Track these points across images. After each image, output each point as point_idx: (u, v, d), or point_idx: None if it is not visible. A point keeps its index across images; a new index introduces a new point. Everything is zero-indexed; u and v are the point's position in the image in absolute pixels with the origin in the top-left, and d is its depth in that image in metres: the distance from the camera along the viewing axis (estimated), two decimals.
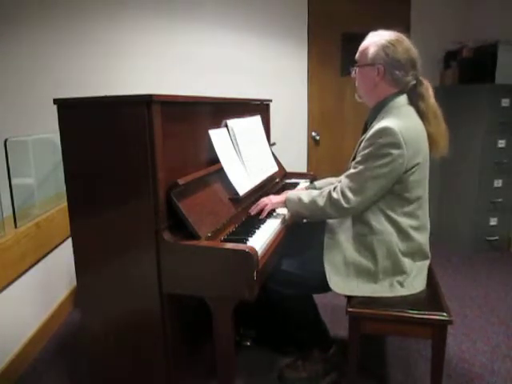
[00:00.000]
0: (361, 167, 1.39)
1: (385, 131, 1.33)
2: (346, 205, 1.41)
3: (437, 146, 1.47)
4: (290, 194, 1.61)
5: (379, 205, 1.43)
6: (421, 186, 1.45)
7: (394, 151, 1.33)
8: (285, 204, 1.60)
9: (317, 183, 1.96)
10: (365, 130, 1.56)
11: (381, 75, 1.44)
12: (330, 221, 1.59)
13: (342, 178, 1.46)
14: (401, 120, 1.37)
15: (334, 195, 1.43)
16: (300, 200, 1.53)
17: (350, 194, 1.40)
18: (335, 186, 1.46)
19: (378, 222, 1.44)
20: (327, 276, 1.48)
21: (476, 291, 2.59)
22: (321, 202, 1.47)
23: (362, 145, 1.41)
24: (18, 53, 2.87)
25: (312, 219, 1.62)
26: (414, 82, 1.45)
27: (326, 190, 1.48)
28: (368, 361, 1.87)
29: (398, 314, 1.39)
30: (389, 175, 1.36)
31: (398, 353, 1.96)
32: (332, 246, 1.52)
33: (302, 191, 1.62)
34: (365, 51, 1.47)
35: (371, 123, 1.48)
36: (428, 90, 1.46)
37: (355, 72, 1.52)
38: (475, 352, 1.96)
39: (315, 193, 1.52)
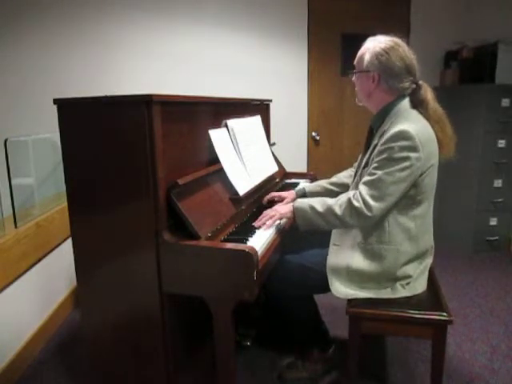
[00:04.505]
0: (380, 173, 1.34)
1: (402, 135, 1.31)
2: (368, 213, 1.34)
3: (443, 150, 1.44)
4: (297, 202, 1.50)
5: (390, 210, 1.39)
6: (432, 187, 1.44)
7: (412, 154, 1.31)
8: (293, 213, 1.49)
9: (306, 188, 1.86)
10: (370, 134, 1.54)
11: (376, 82, 1.43)
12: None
13: (360, 185, 1.39)
14: (414, 123, 1.35)
15: (356, 203, 1.35)
16: (313, 208, 1.44)
17: (371, 202, 1.34)
18: (354, 193, 1.39)
19: (388, 231, 1.41)
20: (329, 281, 1.47)
21: (476, 291, 2.59)
22: (339, 210, 1.39)
23: (377, 149, 1.37)
24: (19, 53, 2.86)
25: (326, 229, 1.49)
26: (413, 86, 1.43)
27: (342, 198, 1.41)
28: (368, 361, 1.87)
29: (398, 314, 1.39)
30: (408, 178, 1.33)
31: (398, 353, 1.96)
32: (336, 254, 1.48)
33: (312, 199, 1.51)
34: (361, 57, 1.46)
35: (378, 128, 1.46)
36: (427, 94, 1.43)
37: (354, 77, 1.52)
38: (475, 352, 1.96)
39: (330, 201, 1.43)
